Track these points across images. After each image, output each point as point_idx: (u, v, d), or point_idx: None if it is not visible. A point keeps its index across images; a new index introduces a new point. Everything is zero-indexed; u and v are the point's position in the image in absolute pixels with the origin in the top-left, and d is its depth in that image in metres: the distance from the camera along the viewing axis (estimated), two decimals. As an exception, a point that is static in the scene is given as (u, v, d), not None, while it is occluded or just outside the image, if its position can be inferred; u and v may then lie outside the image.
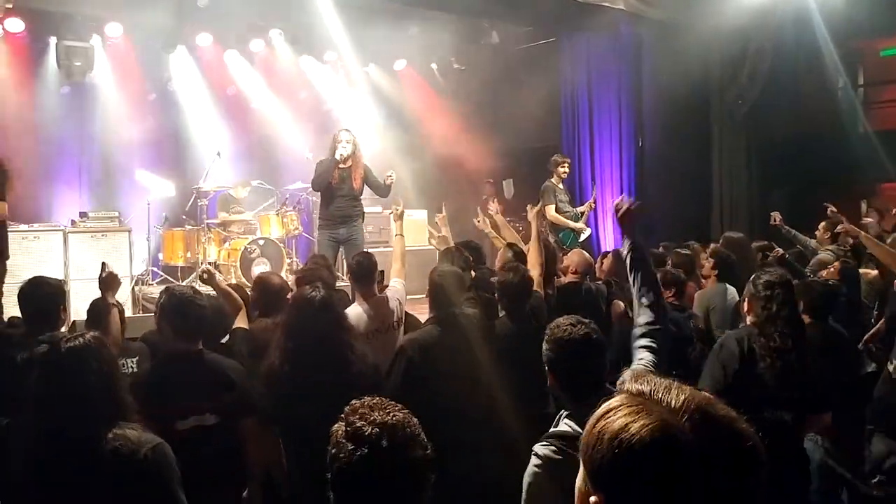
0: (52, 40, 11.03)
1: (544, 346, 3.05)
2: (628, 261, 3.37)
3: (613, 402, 1.18)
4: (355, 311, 5.19)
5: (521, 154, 13.13)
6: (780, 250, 7.23)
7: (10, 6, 10.27)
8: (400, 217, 6.28)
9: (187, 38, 11.81)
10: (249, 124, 12.63)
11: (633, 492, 1.11)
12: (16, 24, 10.48)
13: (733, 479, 1.10)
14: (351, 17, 11.19)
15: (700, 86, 11.61)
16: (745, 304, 4.26)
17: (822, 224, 8.53)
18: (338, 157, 7.92)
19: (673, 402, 1.14)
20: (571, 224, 9.87)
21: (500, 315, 4.95)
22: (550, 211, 9.77)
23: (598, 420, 1.17)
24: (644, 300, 3.22)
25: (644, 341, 3.12)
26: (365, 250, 6.72)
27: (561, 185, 10.05)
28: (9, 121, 10.48)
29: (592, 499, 1.15)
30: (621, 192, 12.27)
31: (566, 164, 10.17)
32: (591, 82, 12.59)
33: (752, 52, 11.24)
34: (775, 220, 8.94)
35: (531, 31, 12.94)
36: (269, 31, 12.19)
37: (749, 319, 4.18)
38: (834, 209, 8.33)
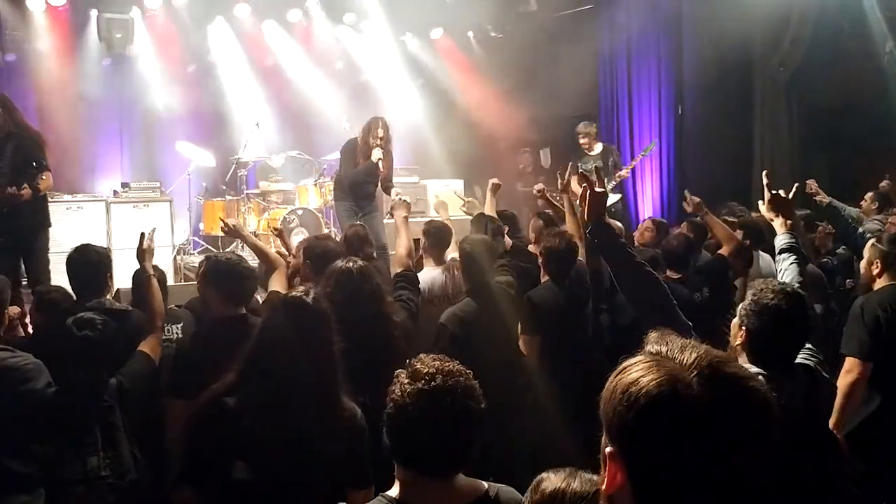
0: (93, 13, 11.12)
1: (748, 306, 2.98)
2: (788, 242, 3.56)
3: (631, 359, 1.24)
4: (429, 275, 5.27)
5: (560, 122, 13.02)
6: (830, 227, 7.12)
7: (51, -21, 10.40)
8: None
9: (225, 9, 11.86)
10: (287, 94, 12.65)
11: (642, 444, 1.16)
12: (57, -3, 10.59)
13: (738, 434, 1.14)
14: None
15: (741, 51, 11.41)
16: (873, 268, 4.38)
17: (869, 194, 8.39)
18: (375, 159, 7.94)
19: (685, 360, 1.19)
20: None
21: (544, 280, 4.97)
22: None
23: (615, 376, 1.23)
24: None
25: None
26: (443, 221, 6.82)
27: (588, 154, 10.05)
28: (52, 93, 10.63)
29: (608, 449, 1.21)
30: (661, 160, 12.18)
31: (579, 137, 10.26)
32: (630, 49, 12.45)
33: (794, 16, 11.02)
34: (811, 188, 8.82)
35: (569, -2, 12.80)
36: (307, 1, 12.19)
37: (882, 280, 4.32)
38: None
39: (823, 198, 8.69)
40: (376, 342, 3.63)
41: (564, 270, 4.90)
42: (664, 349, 1.23)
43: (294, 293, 3.09)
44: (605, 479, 1.21)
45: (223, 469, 2.79)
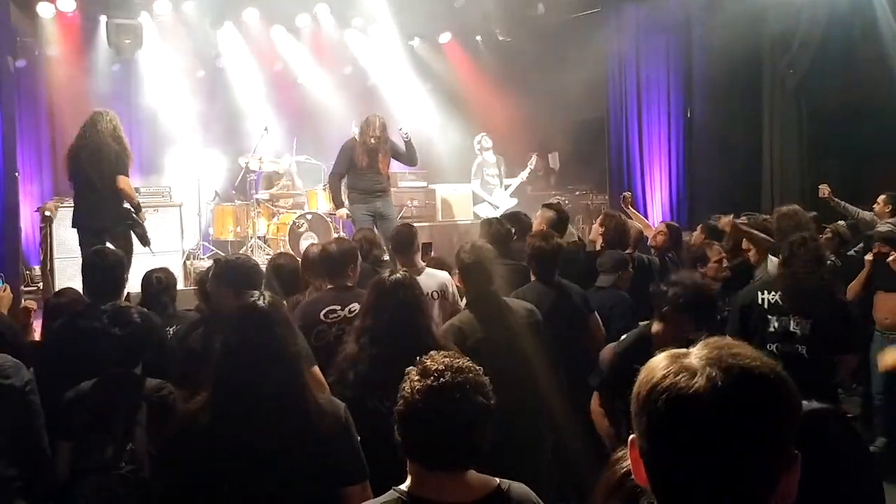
0: (103, 18, 11.18)
1: None
2: None
3: (652, 360, 1.28)
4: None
5: (568, 126, 13.03)
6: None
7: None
8: None
9: (234, 15, 11.90)
10: (296, 99, 12.70)
11: (667, 440, 1.20)
12: (67, 4, 10.62)
13: (763, 419, 1.18)
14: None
15: (750, 55, 11.37)
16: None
17: (882, 197, 8.35)
18: (340, 215, 8.55)
19: (697, 353, 1.23)
20: (487, 198, 10.52)
21: (532, 280, 5.00)
22: (473, 185, 10.62)
23: (641, 376, 1.27)
24: None
25: None
26: (406, 222, 6.91)
27: (489, 159, 10.61)
28: (62, 99, 10.66)
29: (632, 436, 1.28)
30: (670, 164, 12.16)
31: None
32: (638, 52, 12.42)
33: (804, 18, 10.98)
34: (824, 193, 8.82)
35: (577, 1, 12.77)
36: (315, 6, 12.22)
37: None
38: None
39: (836, 202, 8.69)
40: (408, 352, 3.46)
41: (550, 270, 4.96)
42: (679, 349, 1.27)
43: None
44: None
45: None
